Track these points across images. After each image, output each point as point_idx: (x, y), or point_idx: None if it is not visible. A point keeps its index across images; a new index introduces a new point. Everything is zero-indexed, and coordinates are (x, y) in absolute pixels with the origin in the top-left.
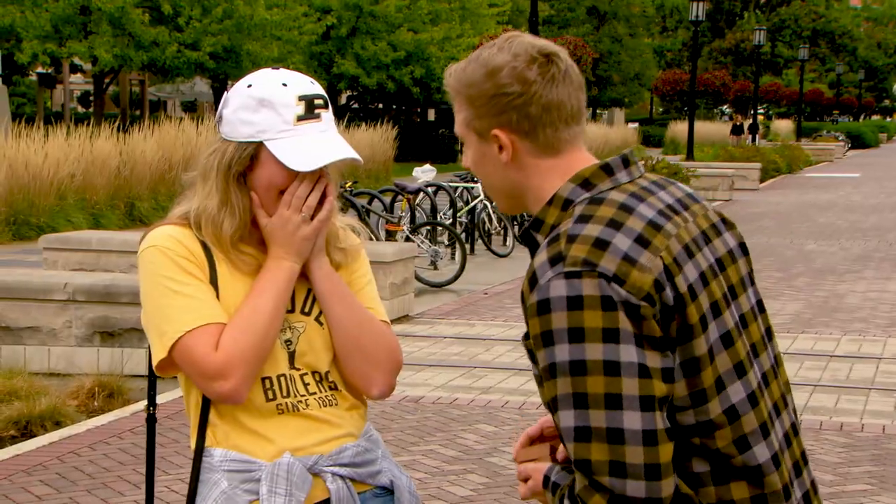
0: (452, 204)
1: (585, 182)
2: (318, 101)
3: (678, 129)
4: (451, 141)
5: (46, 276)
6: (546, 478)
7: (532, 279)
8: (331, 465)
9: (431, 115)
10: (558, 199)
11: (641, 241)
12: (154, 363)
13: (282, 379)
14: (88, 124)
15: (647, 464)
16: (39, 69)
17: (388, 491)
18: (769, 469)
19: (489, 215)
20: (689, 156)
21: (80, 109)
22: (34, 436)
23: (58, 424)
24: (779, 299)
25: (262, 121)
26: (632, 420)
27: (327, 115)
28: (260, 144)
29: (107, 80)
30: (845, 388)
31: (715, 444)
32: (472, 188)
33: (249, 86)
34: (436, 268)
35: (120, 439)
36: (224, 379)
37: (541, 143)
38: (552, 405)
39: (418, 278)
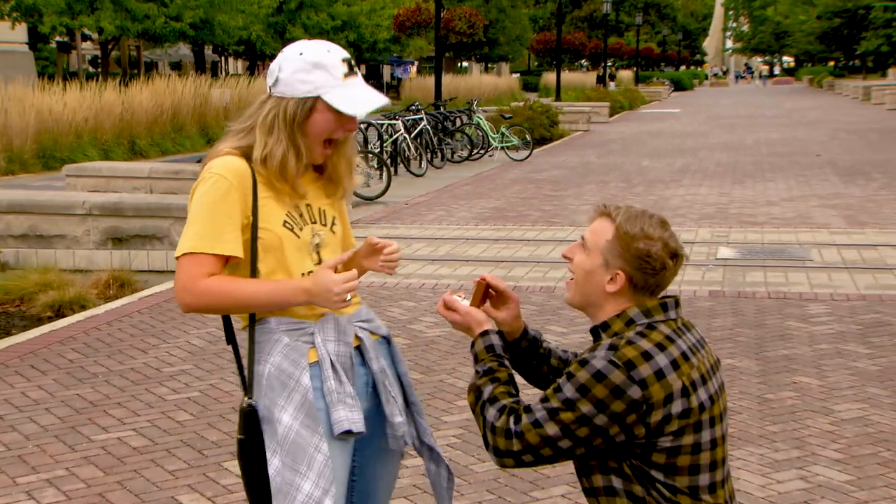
0: (380, 137)
1: (647, 311)
2: (353, 63)
3: (549, 77)
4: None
5: (69, 196)
6: (486, 332)
7: (598, 348)
8: (356, 321)
9: (363, 69)
10: (626, 316)
11: (675, 365)
12: (176, 255)
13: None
14: (97, 81)
15: (545, 456)
16: (58, 38)
17: (386, 339)
18: None
19: (408, 145)
20: (558, 97)
21: (91, 69)
22: (65, 316)
23: (83, 308)
24: (623, 201)
25: (318, 79)
26: (564, 442)
27: (359, 73)
28: (317, 98)
29: (110, 47)
30: None
31: (679, 501)
32: (395, 124)
33: (301, 53)
34: (368, 185)
35: (130, 318)
36: (184, 302)
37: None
38: (543, 398)
39: (356, 194)
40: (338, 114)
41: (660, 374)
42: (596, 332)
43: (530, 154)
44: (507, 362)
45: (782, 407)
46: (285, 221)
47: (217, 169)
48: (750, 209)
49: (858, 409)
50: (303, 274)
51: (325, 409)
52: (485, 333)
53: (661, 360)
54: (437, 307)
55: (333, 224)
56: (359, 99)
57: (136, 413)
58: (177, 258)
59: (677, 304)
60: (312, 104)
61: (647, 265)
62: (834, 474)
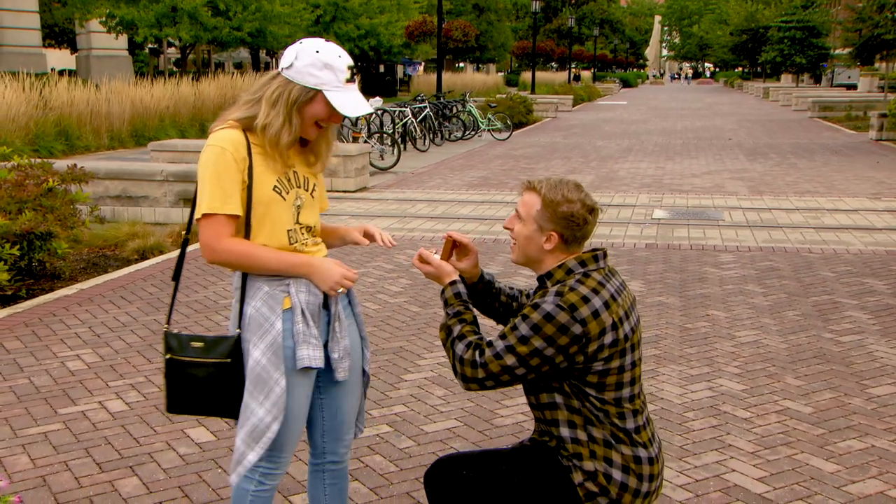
0: (392, 120)
1: (582, 262)
2: (354, 70)
3: (526, 76)
4: (391, 84)
5: (152, 166)
6: (454, 282)
7: (543, 293)
8: None
9: (382, 68)
10: (566, 266)
11: (606, 305)
12: (196, 217)
13: (294, 230)
14: (177, 77)
15: (504, 381)
16: (149, 45)
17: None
18: (635, 432)
19: (415, 127)
20: (533, 91)
21: (174, 69)
22: (147, 259)
23: (160, 252)
24: (582, 173)
25: (325, 77)
26: (520, 370)
27: (356, 80)
28: (319, 91)
29: (188, 51)
30: (616, 224)
31: (605, 409)
32: (405, 111)
33: (317, 51)
34: (382, 158)
35: (195, 261)
36: (208, 257)
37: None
38: (501, 335)
39: (372, 164)
40: (331, 108)
41: (595, 314)
42: (542, 280)
43: (510, 135)
44: (471, 306)
45: (697, 334)
46: (275, 186)
47: (217, 141)
48: (678, 180)
49: (754, 335)
50: (288, 230)
51: (293, 347)
52: (453, 283)
53: (597, 302)
54: (412, 260)
55: (314, 190)
56: (352, 103)
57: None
58: (197, 220)
59: (605, 255)
60: (314, 95)
61: (573, 223)
62: (734, 385)
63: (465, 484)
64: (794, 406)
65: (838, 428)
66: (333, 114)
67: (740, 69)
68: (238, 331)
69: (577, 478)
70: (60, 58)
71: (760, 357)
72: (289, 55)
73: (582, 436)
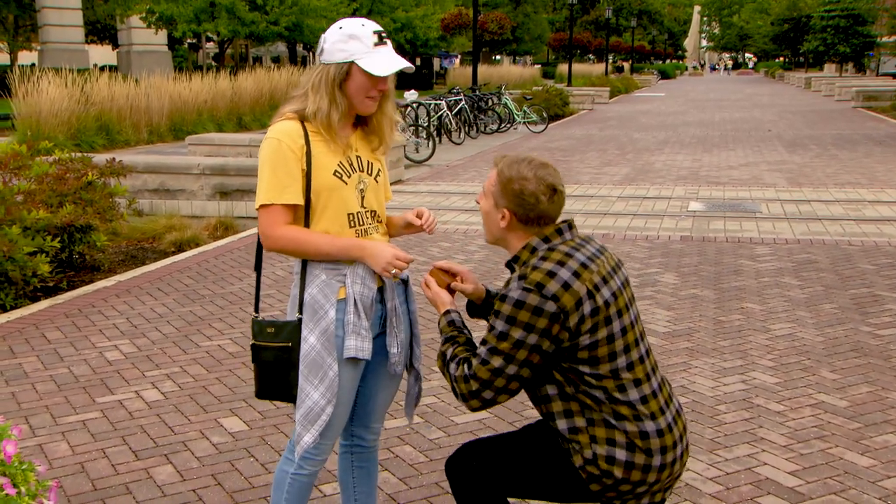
0: (428, 113)
1: (546, 238)
2: (384, 34)
3: (563, 67)
4: (428, 76)
5: (189, 159)
6: (448, 311)
7: (509, 283)
8: None
9: (418, 61)
10: (529, 246)
11: (576, 274)
12: (256, 207)
13: (358, 215)
14: (217, 71)
15: (502, 387)
16: (188, 40)
17: (404, 282)
18: (641, 403)
19: (450, 120)
20: (569, 83)
21: (212, 63)
22: (184, 251)
23: (197, 245)
24: (618, 165)
25: (352, 48)
26: (510, 369)
27: (390, 43)
28: (352, 63)
29: (226, 46)
30: (651, 216)
31: (603, 385)
32: (440, 104)
33: (341, 28)
34: (417, 151)
35: (231, 253)
36: (266, 245)
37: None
38: (483, 342)
39: (407, 157)
40: (369, 75)
41: (566, 286)
42: (510, 265)
43: (546, 128)
44: (466, 331)
45: (732, 326)
46: (335, 171)
47: (273, 133)
48: (715, 172)
49: (789, 328)
50: (349, 214)
51: (343, 337)
52: (447, 312)
53: (564, 273)
54: (421, 284)
55: (378, 174)
56: (384, 63)
57: (232, 326)
58: (257, 209)
59: (570, 226)
60: (349, 68)
61: (524, 201)
62: (767, 378)
63: (480, 470)
64: (829, 400)
65: (875, 422)
66: (375, 81)
67: (782, 59)
68: (299, 315)
69: (578, 461)
70: (102, 54)
71: (795, 350)
72: (320, 42)
73: (580, 423)
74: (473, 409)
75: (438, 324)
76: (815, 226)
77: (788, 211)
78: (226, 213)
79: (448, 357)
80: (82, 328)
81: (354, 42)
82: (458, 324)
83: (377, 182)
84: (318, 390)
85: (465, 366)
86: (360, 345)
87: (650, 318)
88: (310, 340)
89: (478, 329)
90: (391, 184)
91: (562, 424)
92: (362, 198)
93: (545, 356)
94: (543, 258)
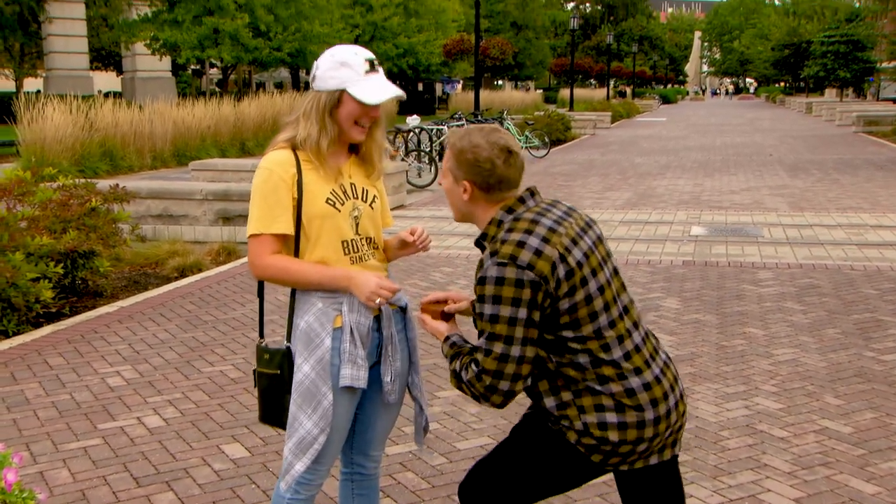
0: (430, 138)
1: (509, 209)
2: (375, 62)
3: (565, 92)
4: (430, 102)
5: (192, 185)
6: (447, 337)
7: (481, 264)
8: None
9: (420, 86)
10: (495, 220)
11: (545, 240)
12: (247, 236)
13: (353, 242)
14: (221, 97)
15: (514, 373)
16: (192, 66)
17: (402, 309)
18: (625, 359)
19: None
20: (571, 108)
21: (216, 89)
22: (186, 276)
23: (199, 270)
24: (619, 190)
25: (343, 75)
26: (514, 350)
27: (381, 71)
28: (343, 90)
29: (229, 72)
30: (653, 241)
31: (588, 347)
32: (442, 129)
33: (332, 55)
34: (420, 176)
35: (233, 279)
36: (254, 273)
37: (491, 195)
38: (479, 334)
39: (409, 182)
40: (360, 102)
41: (538, 253)
42: (479, 243)
43: (548, 152)
44: (468, 345)
45: (734, 351)
46: (328, 198)
47: (265, 163)
48: (717, 196)
49: (792, 353)
50: (343, 241)
51: (338, 366)
52: (446, 339)
53: (533, 241)
54: (418, 315)
55: (373, 201)
56: (375, 90)
57: (235, 352)
58: (247, 238)
59: (533, 193)
60: (339, 95)
61: (481, 168)
62: (770, 403)
63: (491, 488)
64: (833, 426)
65: (879, 449)
66: (366, 109)
67: (782, 84)
68: (287, 344)
69: (572, 437)
70: (107, 80)
71: (799, 375)
72: (313, 69)
73: (567, 397)
74: (497, 406)
75: (442, 352)
76: (817, 250)
77: (790, 235)
78: (228, 238)
79: (458, 369)
80: (84, 354)
81: (346, 69)
82: (459, 343)
83: (373, 208)
84: (311, 419)
85: (473, 365)
86: (355, 374)
87: None
88: (304, 369)
89: None
90: (393, 209)
91: (549, 402)
92: (357, 224)
93: (540, 327)
94: (510, 230)
